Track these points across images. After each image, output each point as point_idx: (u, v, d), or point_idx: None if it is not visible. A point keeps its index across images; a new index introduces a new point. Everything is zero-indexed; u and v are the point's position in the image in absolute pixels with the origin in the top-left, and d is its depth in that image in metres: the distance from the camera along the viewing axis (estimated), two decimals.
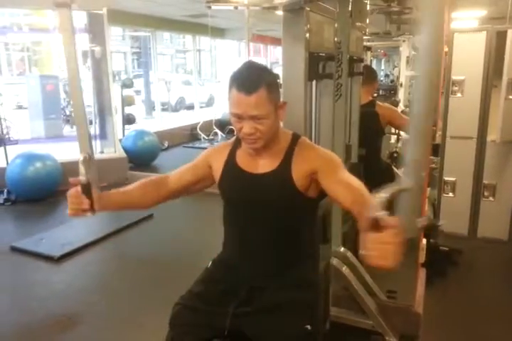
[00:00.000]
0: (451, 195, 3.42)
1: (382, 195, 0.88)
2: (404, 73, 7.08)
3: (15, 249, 3.45)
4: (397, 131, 4.17)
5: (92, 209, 1.27)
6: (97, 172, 1.28)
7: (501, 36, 3.12)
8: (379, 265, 0.87)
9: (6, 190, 4.57)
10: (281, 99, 1.32)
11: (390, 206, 0.89)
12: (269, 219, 1.34)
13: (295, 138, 1.36)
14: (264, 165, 1.34)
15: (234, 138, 1.44)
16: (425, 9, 0.77)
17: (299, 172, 1.30)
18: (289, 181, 1.29)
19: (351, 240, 2.61)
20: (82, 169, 1.23)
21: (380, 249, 0.86)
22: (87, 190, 1.25)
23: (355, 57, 2.37)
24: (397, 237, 0.85)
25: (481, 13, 5.17)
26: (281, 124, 1.37)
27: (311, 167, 1.29)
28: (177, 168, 1.48)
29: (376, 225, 0.86)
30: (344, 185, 1.22)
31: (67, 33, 1.17)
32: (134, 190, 1.41)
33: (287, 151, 1.33)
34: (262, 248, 1.36)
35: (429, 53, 0.79)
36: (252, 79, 1.22)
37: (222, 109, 9.10)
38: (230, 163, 1.39)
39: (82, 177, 1.24)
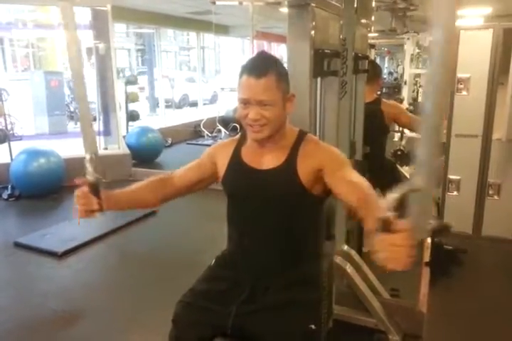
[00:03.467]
0: (455, 193, 3.41)
1: (393, 195, 0.86)
2: (408, 71, 7.06)
3: (18, 245, 3.46)
4: (401, 128, 4.16)
5: (100, 208, 1.24)
6: (103, 172, 1.26)
7: (507, 33, 3.10)
8: (390, 267, 0.85)
9: (10, 186, 4.58)
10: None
11: (400, 206, 0.88)
12: (273, 216, 1.33)
13: (301, 135, 1.36)
14: (270, 160, 1.33)
15: (239, 134, 1.44)
16: (437, 7, 0.77)
17: (304, 169, 1.29)
18: (294, 177, 1.28)
19: (355, 238, 2.61)
20: (89, 168, 1.22)
21: (392, 251, 0.84)
22: (95, 189, 1.23)
23: (360, 55, 2.36)
24: (408, 240, 0.83)
25: (486, 10, 5.14)
26: (288, 121, 1.35)
27: (317, 164, 1.28)
28: (181, 166, 1.48)
29: (386, 226, 0.84)
30: (349, 183, 1.20)
31: (70, 28, 1.16)
32: (141, 188, 1.41)
33: (293, 147, 1.32)
34: (265, 246, 1.35)
35: (441, 51, 0.78)
36: (263, 65, 1.24)
37: (225, 105, 9.09)
38: (235, 159, 1.38)
39: (90, 177, 1.22)
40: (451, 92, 3.26)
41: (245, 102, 1.23)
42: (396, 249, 0.83)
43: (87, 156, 1.22)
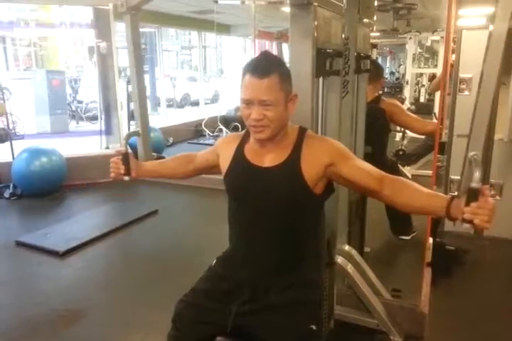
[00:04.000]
0: (457, 193, 3.39)
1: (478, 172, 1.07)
2: (410, 71, 7.04)
3: (20, 244, 3.47)
4: (402, 128, 4.15)
5: (128, 174, 1.52)
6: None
7: (510, 34, 3.08)
8: (485, 227, 1.07)
9: (11, 185, 4.59)
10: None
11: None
12: (275, 215, 1.31)
13: (302, 131, 1.35)
14: (272, 158, 1.32)
15: (244, 131, 1.42)
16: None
17: (309, 166, 1.28)
18: (297, 174, 1.27)
19: (356, 238, 2.60)
20: (124, 143, 1.59)
21: (488, 214, 1.06)
22: (125, 158, 1.52)
23: (362, 54, 2.35)
24: (492, 204, 1.06)
25: (489, 10, 5.11)
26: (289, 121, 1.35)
27: (326, 160, 1.27)
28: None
29: (476, 195, 1.06)
30: (367, 170, 1.29)
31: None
32: (168, 162, 1.63)
33: (295, 144, 1.31)
34: (266, 245, 1.34)
35: (496, 50, 0.83)
36: (266, 65, 1.23)
37: (227, 105, 9.08)
38: (238, 155, 1.37)
39: (123, 148, 1.54)
40: (453, 93, 3.25)
41: (248, 102, 1.23)
42: (490, 212, 1.05)
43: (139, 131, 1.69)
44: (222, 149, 1.44)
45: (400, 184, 1.24)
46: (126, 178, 1.53)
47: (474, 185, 1.06)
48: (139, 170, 1.55)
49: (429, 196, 1.20)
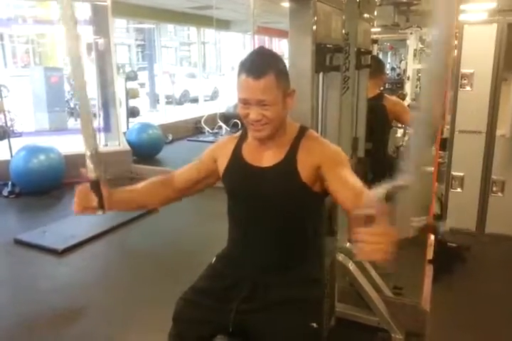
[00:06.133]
0: (459, 190, 3.38)
1: (380, 190, 0.89)
2: (411, 66, 7.01)
3: (18, 242, 3.45)
4: (403, 125, 4.13)
5: (101, 207, 1.22)
6: (105, 169, 1.23)
7: (511, 29, 3.06)
8: (364, 258, 0.89)
9: (10, 183, 4.57)
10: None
11: (387, 201, 0.89)
12: (274, 214, 1.31)
13: (302, 131, 1.34)
14: (270, 157, 1.31)
15: (240, 131, 1.42)
16: (437, 4, 0.76)
17: (304, 165, 1.27)
18: (294, 173, 1.26)
19: None
20: (90, 165, 1.18)
21: (372, 242, 0.86)
22: (96, 186, 1.20)
23: (362, 50, 2.33)
24: (389, 233, 0.86)
25: (491, 5, 5.08)
26: (288, 116, 1.33)
27: (316, 161, 1.26)
28: (182, 162, 1.47)
29: (369, 220, 0.87)
30: (346, 186, 1.19)
31: (69, 23, 1.13)
32: (142, 190, 1.39)
33: (293, 143, 1.30)
34: (266, 244, 1.33)
35: (440, 46, 0.78)
36: (261, 64, 1.20)
37: (226, 101, 9.06)
38: (236, 156, 1.36)
39: (91, 174, 1.18)
40: (455, 88, 3.23)
41: (245, 102, 1.21)
42: (375, 240, 0.86)
43: (87, 152, 1.17)
44: (220, 152, 1.41)
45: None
46: (100, 213, 1.23)
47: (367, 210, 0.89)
48: (112, 200, 1.26)
49: None
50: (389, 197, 0.87)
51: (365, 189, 1.13)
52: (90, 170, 1.18)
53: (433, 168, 2.19)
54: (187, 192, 1.44)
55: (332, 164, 1.25)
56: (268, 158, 1.31)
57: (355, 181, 1.20)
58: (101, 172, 1.20)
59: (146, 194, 1.40)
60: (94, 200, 1.20)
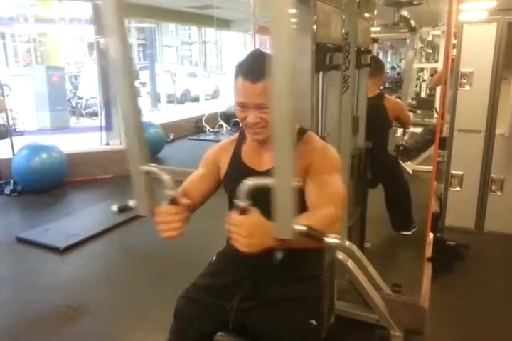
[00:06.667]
0: (458, 188, 3.39)
1: (248, 182, 0.98)
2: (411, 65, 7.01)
3: (21, 240, 3.47)
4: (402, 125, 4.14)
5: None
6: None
7: (511, 29, 3.07)
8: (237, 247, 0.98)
9: (12, 181, 4.59)
10: None
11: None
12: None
13: (301, 132, 1.33)
14: (269, 159, 1.31)
15: (237, 133, 1.41)
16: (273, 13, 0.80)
17: (299, 166, 1.27)
18: None
19: (357, 234, 2.60)
20: (166, 181, 1.06)
21: (236, 232, 0.97)
22: (176, 204, 1.10)
23: (362, 49, 2.34)
24: (242, 224, 0.96)
25: (490, 4, 5.08)
26: None
27: (306, 163, 1.24)
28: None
29: (242, 212, 0.97)
30: (319, 190, 1.18)
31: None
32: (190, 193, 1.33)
33: None
34: None
35: (282, 59, 0.87)
36: (258, 67, 1.18)
37: (227, 101, 9.06)
38: (236, 160, 1.36)
39: (171, 191, 1.07)
40: (454, 87, 3.24)
41: (243, 105, 1.21)
42: (236, 231, 0.96)
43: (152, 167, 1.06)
44: (220, 155, 1.40)
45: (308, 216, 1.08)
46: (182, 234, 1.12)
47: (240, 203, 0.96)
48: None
49: None
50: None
51: (336, 202, 1.15)
52: (168, 188, 1.08)
53: (432, 167, 2.20)
54: (204, 201, 1.41)
55: (319, 167, 1.23)
56: (267, 160, 1.31)
57: (332, 190, 1.18)
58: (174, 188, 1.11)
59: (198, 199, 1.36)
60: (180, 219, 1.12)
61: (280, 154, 0.89)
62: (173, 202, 1.09)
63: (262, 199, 1.15)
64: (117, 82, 0.99)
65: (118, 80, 0.98)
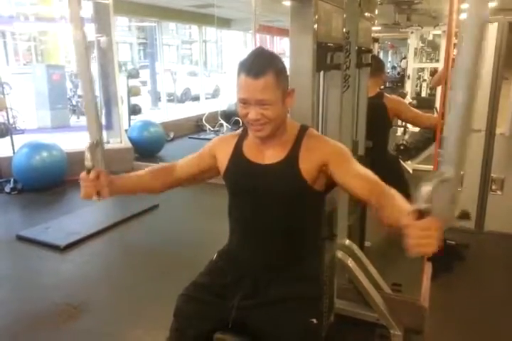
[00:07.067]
0: (458, 188, 3.39)
1: (426, 187, 0.90)
2: (411, 65, 7.02)
3: (21, 238, 3.48)
4: (404, 123, 4.14)
5: (98, 194, 1.30)
6: (104, 158, 1.34)
7: (511, 28, 3.07)
8: (418, 252, 0.92)
9: (12, 179, 4.59)
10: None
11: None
12: (274, 211, 1.32)
13: (303, 129, 1.34)
14: (272, 155, 1.32)
15: (241, 129, 1.43)
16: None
17: (307, 164, 1.28)
18: (296, 172, 1.28)
19: (357, 233, 2.61)
20: (87, 154, 1.27)
21: (423, 237, 0.90)
22: (93, 174, 1.29)
23: (363, 48, 2.34)
24: (438, 226, 0.90)
25: (491, 4, 5.08)
26: (289, 115, 1.34)
27: (320, 159, 1.27)
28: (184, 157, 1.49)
29: (420, 216, 0.91)
30: (359, 177, 1.23)
31: (76, 22, 1.17)
32: (145, 175, 1.45)
33: (295, 142, 1.31)
34: (266, 240, 1.34)
35: (472, 46, 0.81)
36: (260, 64, 1.21)
37: (227, 100, 9.07)
38: (237, 154, 1.37)
39: (87, 163, 1.28)
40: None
41: (245, 102, 1.22)
42: (428, 234, 0.90)
43: (87, 144, 1.28)
44: (220, 149, 1.42)
45: (386, 201, 1.13)
46: (95, 198, 1.30)
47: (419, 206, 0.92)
48: (114, 186, 1.33)
49: (400, 217, 1.02)
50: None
51: (379, 179, 1.20)
52: (86, 159, 1.27)
53: (433, 166, 2.20)
54: (186, 183, 1.49)
55: (339, 160, 1.27)
56: (269, 156, 1.32)
57: (366, 172, 1.24)
58: (97, 162, 1.30)
59: (149, 178, 1.45)
60: (98, 186, 1.28)
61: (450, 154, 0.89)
62: (89, 171, 1.27)
63: None
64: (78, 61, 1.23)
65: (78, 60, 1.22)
